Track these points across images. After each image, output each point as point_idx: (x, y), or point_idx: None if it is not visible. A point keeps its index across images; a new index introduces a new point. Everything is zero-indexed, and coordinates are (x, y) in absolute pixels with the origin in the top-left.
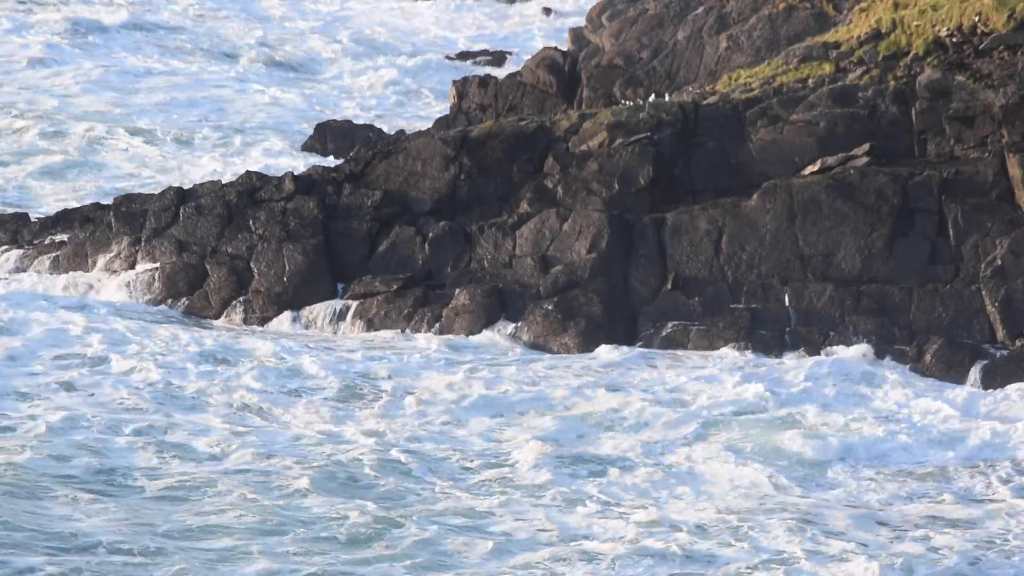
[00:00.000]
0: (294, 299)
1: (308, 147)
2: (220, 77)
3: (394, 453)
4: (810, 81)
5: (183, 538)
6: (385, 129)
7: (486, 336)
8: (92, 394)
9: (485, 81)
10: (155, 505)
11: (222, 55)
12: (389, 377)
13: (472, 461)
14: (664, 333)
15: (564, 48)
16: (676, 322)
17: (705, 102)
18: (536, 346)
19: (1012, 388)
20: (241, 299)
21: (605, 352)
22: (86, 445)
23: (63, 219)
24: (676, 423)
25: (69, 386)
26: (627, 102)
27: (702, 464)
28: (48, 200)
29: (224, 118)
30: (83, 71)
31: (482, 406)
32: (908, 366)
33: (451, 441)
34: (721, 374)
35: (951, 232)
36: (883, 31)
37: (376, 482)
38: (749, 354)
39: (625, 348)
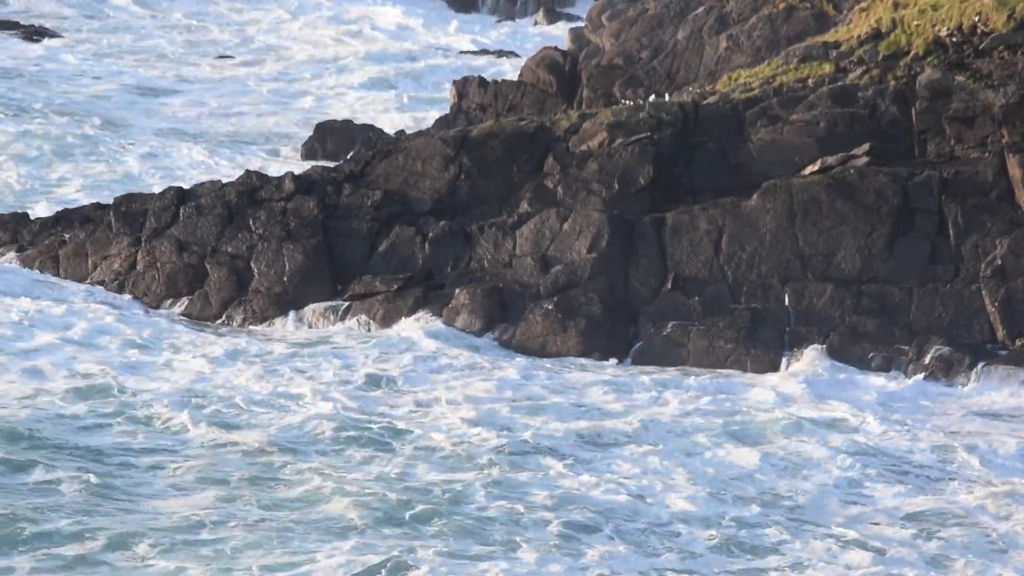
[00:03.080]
0: (294, 299)
1: (308, 148)
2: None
3: None
4: (810, 81)
5: None
6: (385, 129)
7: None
8: None
9: (485, 81)
10: None
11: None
12: None
13: None
14: (664, 333)
15: (564, 48)
16: (676, 322)
17: (705, 102)
18: None
19: None
20: (241, 299)
21: None
22: None
23: (63, 219)
24: None
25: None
26: (627, 102)
27: None
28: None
29: (224, 118)
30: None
31: None
32: None
33: None
34: None
35: (951, 232)
36: (883, 31)
37: None
38: None
39: None
